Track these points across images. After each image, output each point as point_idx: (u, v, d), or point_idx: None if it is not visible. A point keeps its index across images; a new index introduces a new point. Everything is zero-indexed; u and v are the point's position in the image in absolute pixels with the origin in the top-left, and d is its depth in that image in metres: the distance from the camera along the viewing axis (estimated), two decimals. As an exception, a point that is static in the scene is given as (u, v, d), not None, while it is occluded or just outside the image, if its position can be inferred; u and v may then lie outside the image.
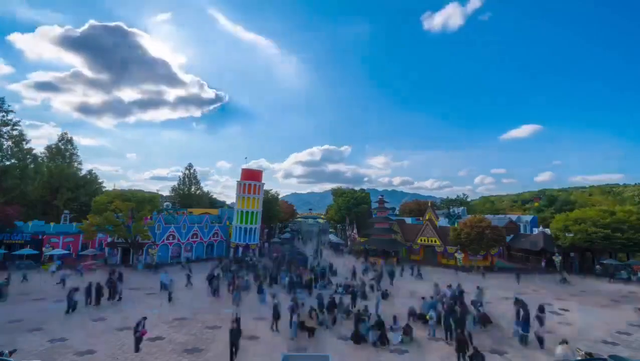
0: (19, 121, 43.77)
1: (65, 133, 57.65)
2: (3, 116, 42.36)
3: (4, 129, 42.43)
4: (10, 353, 11.41)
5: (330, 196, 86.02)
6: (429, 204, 49.88)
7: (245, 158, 46.50)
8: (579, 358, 12.37)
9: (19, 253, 33.14)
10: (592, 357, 11.87)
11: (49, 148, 55.32)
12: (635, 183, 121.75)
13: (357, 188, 74.77)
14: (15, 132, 43.45)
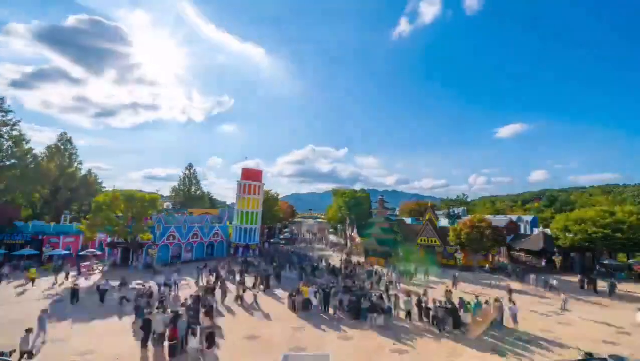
0: (19, 121, 43.79)
1: (65, 133, 57.76)
2: (2, 116, 42.35)
3: (4, 129, 42.40)
4: (10, 353, 11.43)
5: (330, 196, 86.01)
6: (429, 204, 49.83)
7: (246, 158, 46.54)
8: (579, 358, 12.40)
9: (19, 253, 33.14)
10: (592, 357, 11.89)
11: (48, 148, 55.37)
12: (635, 183, 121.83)
13: (350, 188, 74.78)
14: (14, 132, 43.46)
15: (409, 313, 18.54)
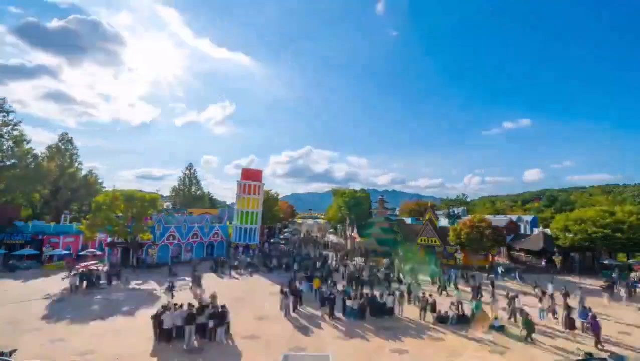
0: (20, 122, 43.88)
1: (66, 134, 57.66)
2: (4, 116, 42.44)
3: (4, 129, 42.48)
4: (10, 353, 11.43)
5: (329, 196, 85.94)
6: (429, 204, 49.85)
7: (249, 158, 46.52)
8: (579, 358, 12.40)
9: (19, 253, 33.13)
10: (592, 357, 11.89)
11: (49, 148, 55.37)
12: (635, 183, 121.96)
13: (350, 188, 74.60)
14: (15, 132, 43.53)
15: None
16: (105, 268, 32.71)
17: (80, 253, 36.93)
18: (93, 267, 28.22)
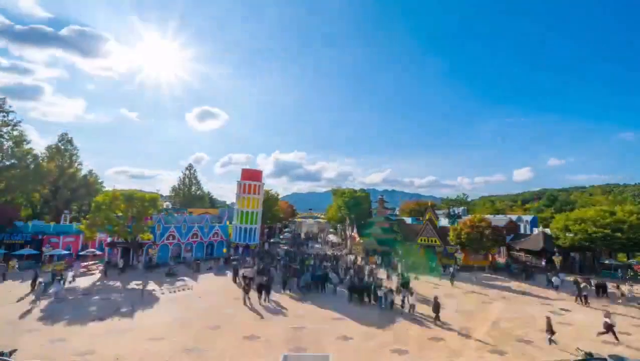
0: (20, 122, 43.86)
1: (66, 134, 57.65)
2: (4, 116, 42.43)
3: (5, 129, 42.47)
4: (10, 353, 11.41)
5: (329, 196, 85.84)
6: (429, 204, 49.79)
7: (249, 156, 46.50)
8: (579, 358, 12.38)
9: (19, 253, 33.11)
10: (592, 357, 11.87)
11: (49, 148, 55.37)
12: (635, 183, 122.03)
13: (350, 188, 74.35)
14: (15, 133, 43.51)
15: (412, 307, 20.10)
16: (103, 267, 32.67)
17: (80, 253, 36.96)
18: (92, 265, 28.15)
